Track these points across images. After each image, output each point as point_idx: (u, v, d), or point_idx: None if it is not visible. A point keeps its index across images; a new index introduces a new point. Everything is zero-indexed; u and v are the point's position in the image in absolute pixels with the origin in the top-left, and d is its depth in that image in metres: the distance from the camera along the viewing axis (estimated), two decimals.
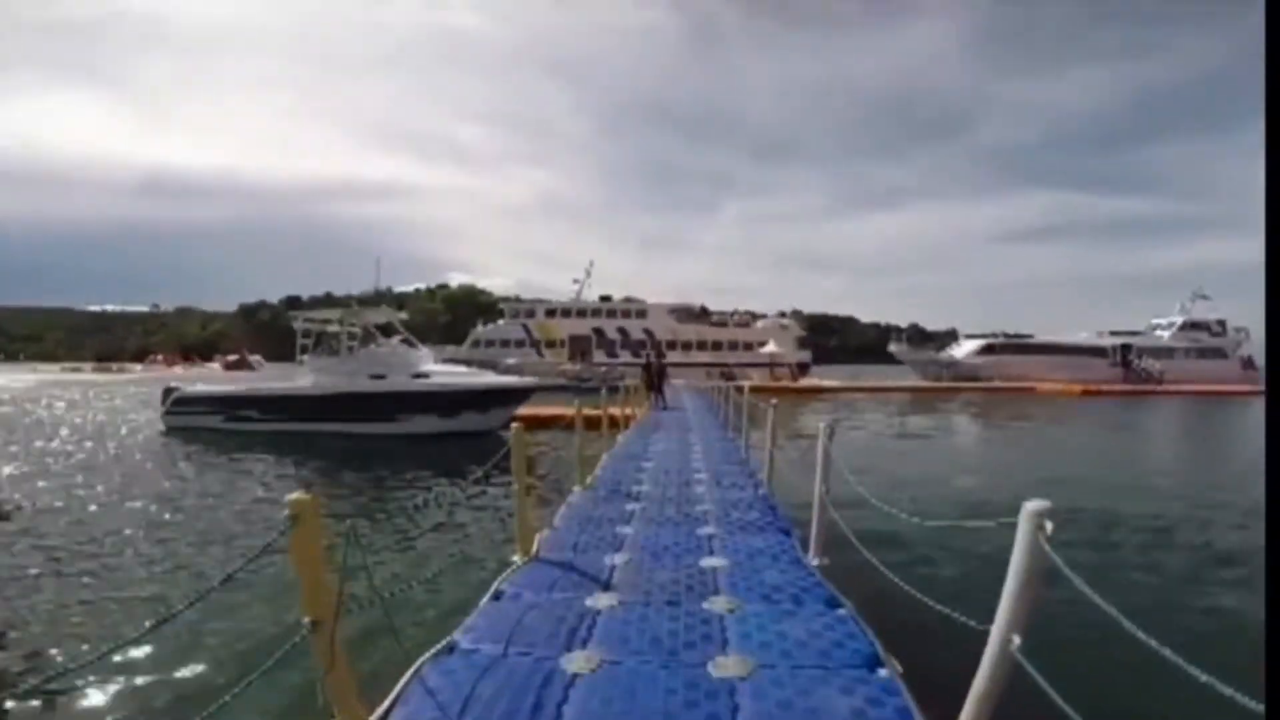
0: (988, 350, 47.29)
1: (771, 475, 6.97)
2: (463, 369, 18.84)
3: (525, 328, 50.46)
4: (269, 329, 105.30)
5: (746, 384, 16.98)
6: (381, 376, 16.62)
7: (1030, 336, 50.46)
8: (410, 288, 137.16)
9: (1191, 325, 49.99)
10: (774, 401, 7.41)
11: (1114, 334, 50.29)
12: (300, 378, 17.77)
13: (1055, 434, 20.66)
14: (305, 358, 17.97)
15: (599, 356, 48.15)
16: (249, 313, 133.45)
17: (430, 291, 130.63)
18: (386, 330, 18.79)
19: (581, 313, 51.32)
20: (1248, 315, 49.07)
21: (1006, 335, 47.75)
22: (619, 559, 4.28)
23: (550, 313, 51.16)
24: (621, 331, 50.44)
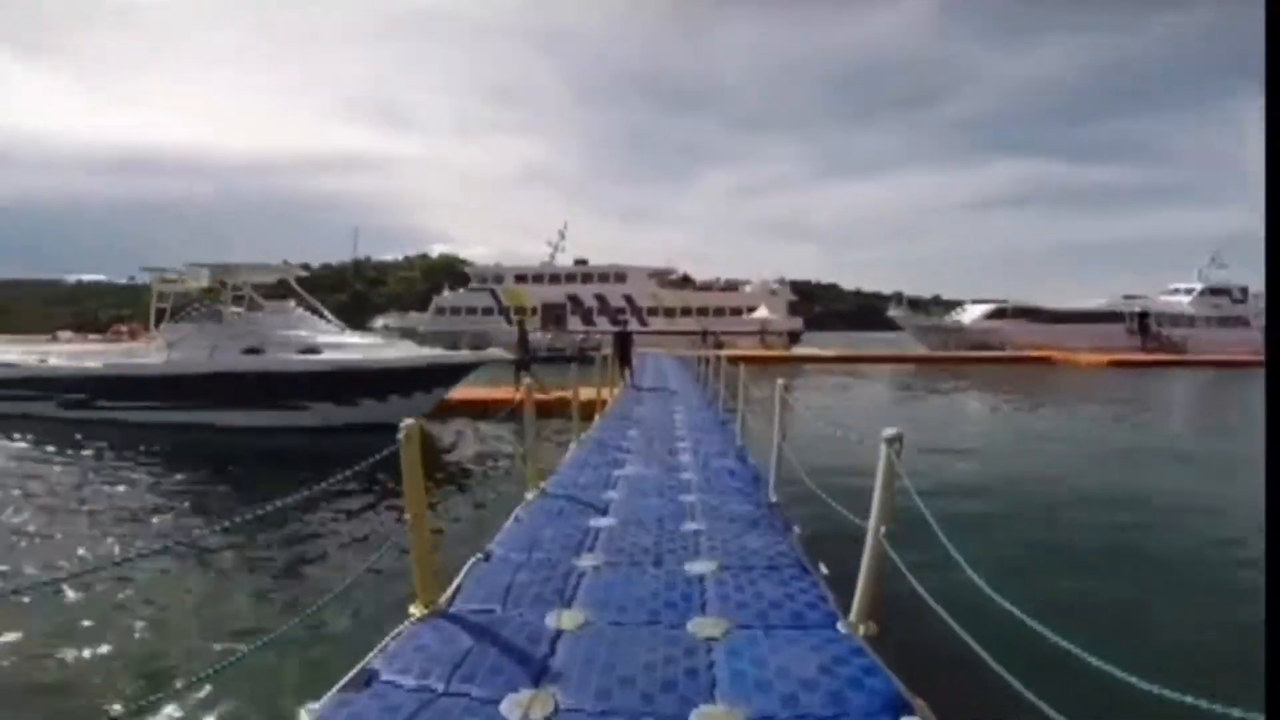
0: (998, 315, 43.50)
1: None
2: (379, 341, 14.48)
3: (493, 294, 46.34)
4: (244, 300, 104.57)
5: (734, 353, 13.02)
6: (257, 351, 13.14)
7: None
8: (390, 257, 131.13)
9: (1211, 291, 46.29)
10: (782, 383, 5.99)
11: (1127, 298, 46.48)
12: (153, 353, 13.53)
13: (1130, 420, 17.09)
14: (161, 328, 13.66)
15: (574, 325, 43.99)
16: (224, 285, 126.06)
17: (409, 261, 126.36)
18: (283, 294, 15.40)
19: (555, 278, 47.15)
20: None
21: (997, 303, 43.87)
22: (569, 620, 3.10)
23: (520, 278, 46.99)
24: (599, 298, 46.39)
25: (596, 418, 10.17)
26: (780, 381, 5.81)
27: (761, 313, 44.77)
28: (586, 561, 3.80)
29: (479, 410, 14.35)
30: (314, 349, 13.10)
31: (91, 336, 27.14)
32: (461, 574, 3.59)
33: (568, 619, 3.00)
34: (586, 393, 10.25)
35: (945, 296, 57.38)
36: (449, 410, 14.28)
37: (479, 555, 3.87)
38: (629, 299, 46.89)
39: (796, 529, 4.48)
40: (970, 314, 46.30)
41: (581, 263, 49.44)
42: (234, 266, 13.95)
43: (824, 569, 3.68)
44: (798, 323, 47.23)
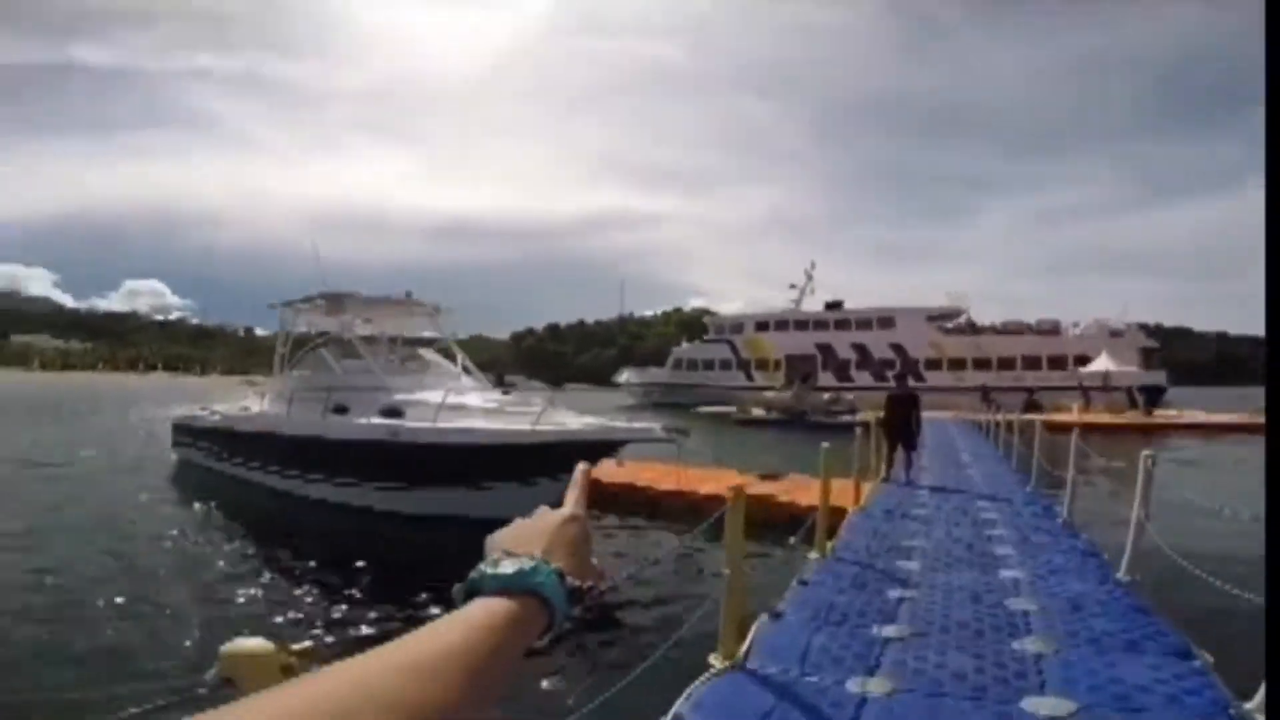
0: None
1: None
2: (513, 401, 10.56)
3: (731, 345, 40.50)
4: (534, 353, 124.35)
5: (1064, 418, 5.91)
6: (342, 410, 10.22)
7: None
8: (649, 313, 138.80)
9: None
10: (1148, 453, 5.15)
11: None
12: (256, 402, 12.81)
13: None
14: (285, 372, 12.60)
15: (827, 380, 36.17)
16: (518, 339, 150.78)
17: (666, 316, 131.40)
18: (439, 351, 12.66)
19: (802, 324, 40.52)
20: None
21: None
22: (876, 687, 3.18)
23: (762, 325, 41.35)
24: (858, 348, 38.35)
25: (845, 526, 6.81)
26: (1146, 453, 5.10)
27: (1101, 364, 31.78)
28: (889, 631, 3.82)
29: (645, 505, 10.10)
30: (396, 411, 9.68)
31: None
32: (752, 631, 3.74)
33: (874, 685, 3.08)
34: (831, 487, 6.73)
35: None
36: (602, 503, 9.84)
37: (767, 614, 4.05)
38: (899, 349, 37.95)
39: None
40: None
41: (835, 306, 41.93)
42: (344, 298, 11.54)
43: (1207, 656, 3.38)
44: (1159, 376, 32.97)
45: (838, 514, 7.26)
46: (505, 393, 10.88)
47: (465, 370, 11.77)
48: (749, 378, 41.18)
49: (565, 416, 9.26)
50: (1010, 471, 11.20)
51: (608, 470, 9.94)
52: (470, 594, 0.48)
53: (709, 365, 43.04)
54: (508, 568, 0.49)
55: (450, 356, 12.15)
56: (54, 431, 21.24)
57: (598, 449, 8.50)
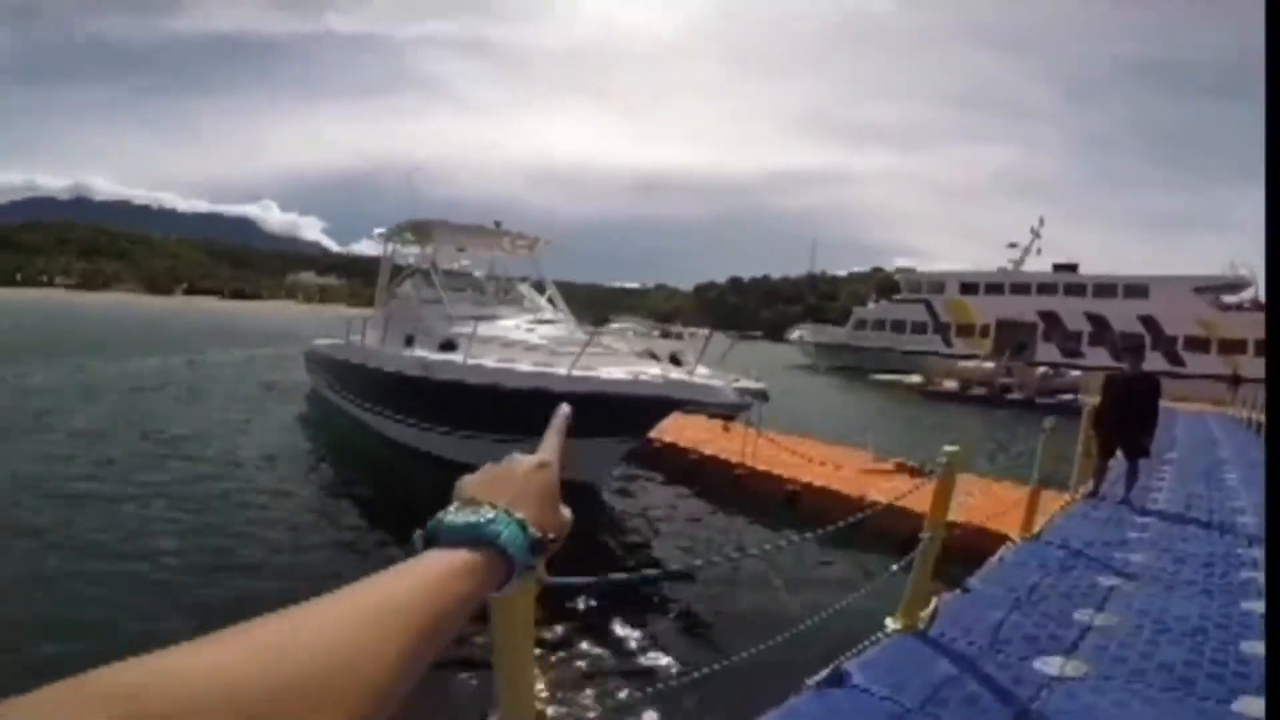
0: None
1: None
2: (565, 343, 8.70)
3: (928, 305, 35.86)
4: (715, 304, 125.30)
5: None
6: (411, 343, 9.69)
7: None
8: (842, 272, 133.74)
9: None
10: None
11: None
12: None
13: None
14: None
15: (1047, 354, 30.81)
16: (701, 291, 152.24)
17: (863, 275, 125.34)
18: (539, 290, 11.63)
19: (1022, 287, 34.67)
20: None
21: None
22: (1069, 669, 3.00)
23: (968, 287, 35.85)
24: (1094, 319, 31.80)
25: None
26: None
27: None
28: (1094, 617, 3.57)
29: (722, 480, 8.38)
30: (451, 344, 8.70)
31: None
32: (936, 601, 3.60)
33: (1067, 667, 2.94)
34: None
35: None
36: (654, 460, 8.83)
37: (958, 589, 3.96)
38: (1150, 323, 30.77)
39: None
40: None
41: (1067, 268, 34.85)
42: (430, 225, 10.96)
43: None
44: None
45: (994, 540, 5.18)
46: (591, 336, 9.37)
47: (553, 306, 10.77)
48: (947, 344, 36.14)
49: (636, 365, 7.34)
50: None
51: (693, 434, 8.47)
52: (430, 541, 0.47)
53: (898, 327, 38.44)
54: (466, 517, 0.48)
55: (543, 292, 11.23)
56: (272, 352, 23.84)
57: (642, 406, 6.82)
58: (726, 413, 7.65)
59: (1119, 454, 7.01)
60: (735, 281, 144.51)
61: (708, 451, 8.47)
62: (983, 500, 6.64)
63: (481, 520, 0.47)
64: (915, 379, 27.88)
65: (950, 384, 26.15)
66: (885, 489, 6.96)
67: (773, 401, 7.67)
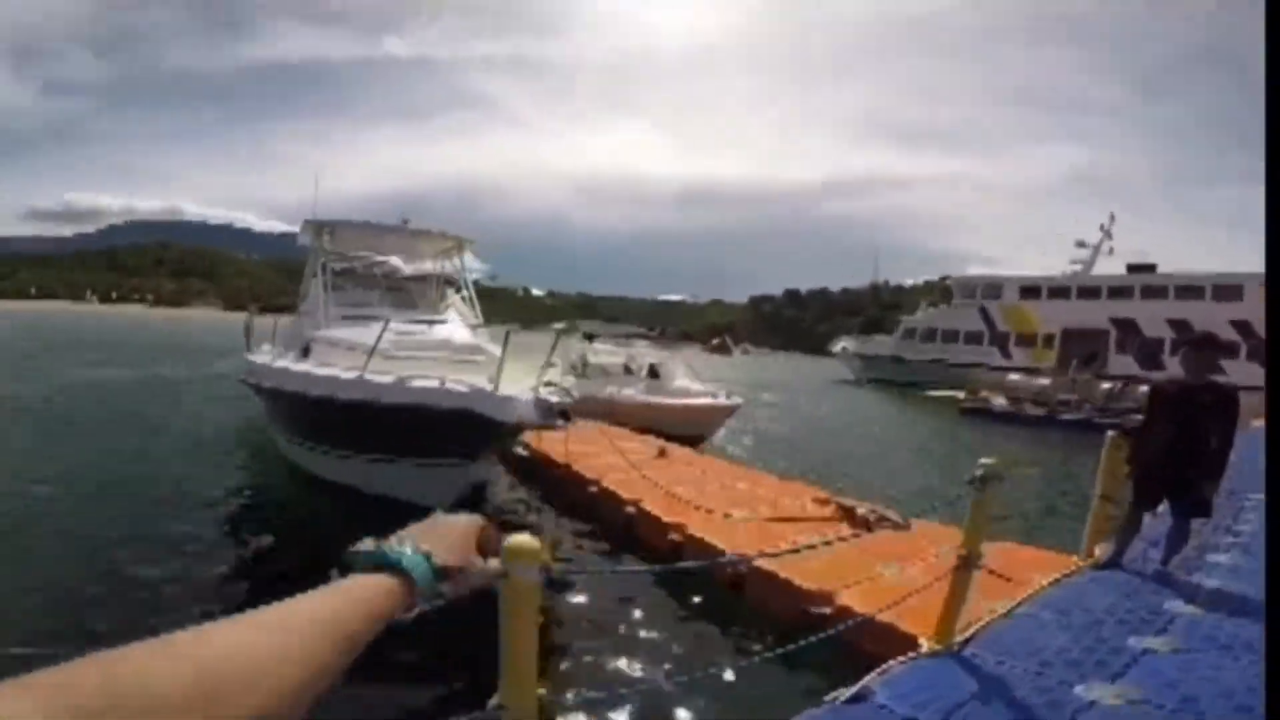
0: None
1: None
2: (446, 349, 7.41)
3: (984, 313, 32.78)
4: (772, 319, 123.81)
5: None
6: (305, 353, 8.18)
7: None
8: (909, 282, 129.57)
9: None
10: None
11: None
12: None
13: None
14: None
15: (1122, 366, 27.60)
16: (756, 304, 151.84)
17: (930, 285, 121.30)
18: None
19: (1090, 291, 31.29)
20: None
21: None
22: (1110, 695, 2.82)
23: (1030, 291, 32.45)
24: (1178, 325, 28.07)
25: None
26: None
27: None
28: (1152, 643, 3.29)
29: (615, 520, 6.77)
30: (306, 350, 7.85)
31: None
32: (980, 621, 3.47)
33: (1108, 693, 2.74)
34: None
35: None
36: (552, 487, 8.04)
37: (1000, 610, 3.75)
38: (1245, 329, 26.84)
39: None
40: None
41: (1143, 269, 31.16)
42: (323, 225, 9.61)
43: None
44: None
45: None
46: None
47: (472, 309, 9.56)
48: (1005, 355, 32.82)
49: (469, 376, 5.97)
50: None
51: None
52: (344, 570, 0.56)
53: (950, 336, 35.29)
54: (372, 547, 0.57)
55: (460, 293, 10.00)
56: None
57: (435, 418, 5.53)
58: (536, 427, 6.30)
59: (1164, 503, 4.66)
60: (792, 294, 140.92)
61: (606, 484, 6.69)
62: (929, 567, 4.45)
63: (386, 550, 0.57)
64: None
65: (1000, 401, 23.25)
66: (788, 542, 4.64)
67: (771, 422, 6.30)
